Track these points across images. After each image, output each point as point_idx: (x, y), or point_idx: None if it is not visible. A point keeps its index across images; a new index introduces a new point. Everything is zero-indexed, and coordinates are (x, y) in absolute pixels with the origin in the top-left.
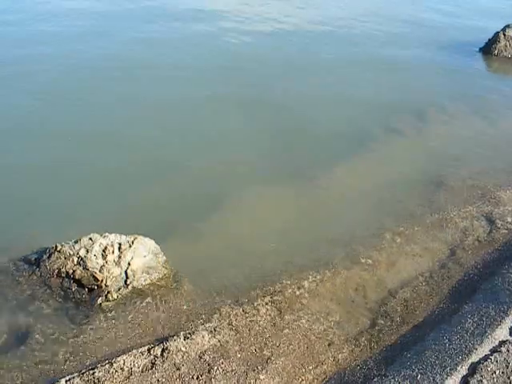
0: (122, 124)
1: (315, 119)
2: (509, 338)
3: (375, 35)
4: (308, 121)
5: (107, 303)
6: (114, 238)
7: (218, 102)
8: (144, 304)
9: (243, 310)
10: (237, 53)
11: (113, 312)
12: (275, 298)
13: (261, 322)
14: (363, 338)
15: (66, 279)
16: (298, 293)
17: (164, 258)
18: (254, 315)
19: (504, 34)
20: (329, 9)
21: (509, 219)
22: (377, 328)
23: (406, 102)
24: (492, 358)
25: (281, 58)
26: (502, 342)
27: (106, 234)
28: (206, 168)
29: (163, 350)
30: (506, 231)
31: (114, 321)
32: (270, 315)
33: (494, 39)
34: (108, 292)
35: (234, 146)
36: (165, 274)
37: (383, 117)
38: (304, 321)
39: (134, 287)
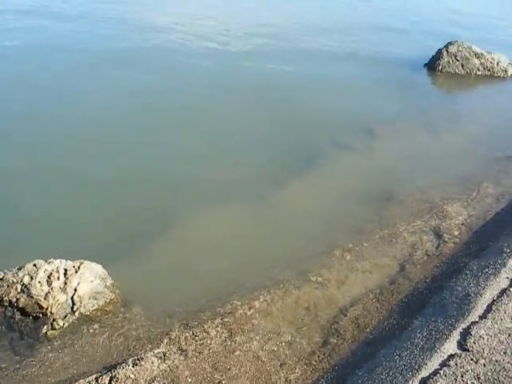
0: (69, 143)
1: (264, 136)
2: (457, 351)
3: (323, 51)
4: (257, 138)
5: (53, 331)
6: (59, 264)
7: (165, 120)
8: (91, 331)
9: (193, 333)
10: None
11: (59, 340)
12: (226, 319)
13: (211, 345)
14: (315, 358)
15: (9, 308)
16: (248, 313)
17: (112, 282)
18: (204, 338)
19: (447, 51)
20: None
21: (456, 232)
22: (328, 347)
23: (355, 118)
24: (441, 372)
25: (225, 76)
26: (451, 356)
27: (51, 259)
28: (154, 188)
29: (111, 378)
30: (453, 244)
31: (60, 350)
32: (220, 337)
33: (438, 56)
34: (54, 320)
35: (181, 165)
36: (113, 299)
37: (333, 133)
38: (255, 342)
39: (80, 314)
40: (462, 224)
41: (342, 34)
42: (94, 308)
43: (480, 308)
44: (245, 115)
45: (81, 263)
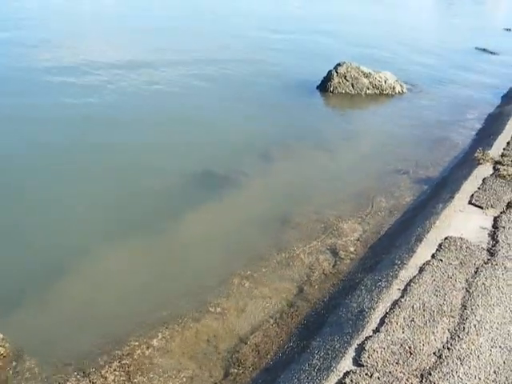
0: None
1: (160, 167)
2: (352, 367)
3: (215, 77)
4: (150, 169)
5: None
6: None
7: (51, 156)
8: None
9: (90, 381)
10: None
11: None
12: (123, 361)
13: None
14: None
15: None
16: (147, 353)
17: (1, 335)
18: None
19: (336, 72)
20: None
21: (351, 249)
22: (230, 378)
23: (250, 144)
24: None
25: (119, 108)
26: (346, 373)
27: None
28: (44, 230)
29: None
30: (350, 261)
31: None
32: (118, 381)
33: (328, 77)
34: None
35: (74, 204)
36: (2, 354)
37: (228, 160)
38: (155, 381)
39: None
40: (358, 240)
41: (236, 60)
42: None
43: (374, 322)
44: (139, 147)
45: None
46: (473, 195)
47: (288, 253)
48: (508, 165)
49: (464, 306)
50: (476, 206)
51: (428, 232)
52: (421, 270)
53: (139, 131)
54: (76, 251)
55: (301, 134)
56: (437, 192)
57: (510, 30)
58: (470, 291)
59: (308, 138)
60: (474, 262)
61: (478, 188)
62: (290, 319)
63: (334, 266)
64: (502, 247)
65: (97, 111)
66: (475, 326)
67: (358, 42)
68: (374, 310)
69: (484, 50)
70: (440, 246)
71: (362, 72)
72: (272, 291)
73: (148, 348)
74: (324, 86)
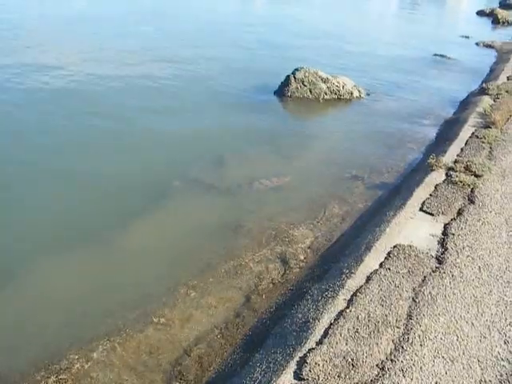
0: None
1: (105, 174)
2: (293, 381)
3: (169, 84)
4: (98, 176)
5: None
6: None
7: None
8: None
9: None
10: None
11: None
12: (61, 376)
13: None
14: None
15: None
16: (86, 366)
17: None
18: None
19: (294, 77)
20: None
21: (301, 257)
22: None
23: (203, 150)
24: None
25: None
26: None
27: None
28: None
29: None
30: (299, 270)
31: None
32: None
33: (286, 82)
34: None
35: (16, 211)
36: None
37: (179, 168)
38: None
39: None
40: (309, 247)
41: (190, 68)
42: None
43: (317, 334)
44: (88, 154)
45: None
46: (424, 202)
47: (237, 261)
48: (460, 171)
49: (409, 316)
50: (427, 213)
51: (377, 240)
52: (368, 279)
53: (88, 138)
54: (16, 261)
55: (255, 139)
56: (390, 198)
57: (467, 37)
58: (417, 301)
59: (263, 143)
60: (422, 270)
61: (430, 195)
62: (236, 330)
63: (282, 275)
64: (451, 255)
65: (39, 113)
66: (419, 337)
67: (317, 48)
68: (318, 320)
69: (442, 56)
70: (389, 254)
71: (319, 77)
72: (218, 301)
73: (88, 361)
74: (282, 91)
